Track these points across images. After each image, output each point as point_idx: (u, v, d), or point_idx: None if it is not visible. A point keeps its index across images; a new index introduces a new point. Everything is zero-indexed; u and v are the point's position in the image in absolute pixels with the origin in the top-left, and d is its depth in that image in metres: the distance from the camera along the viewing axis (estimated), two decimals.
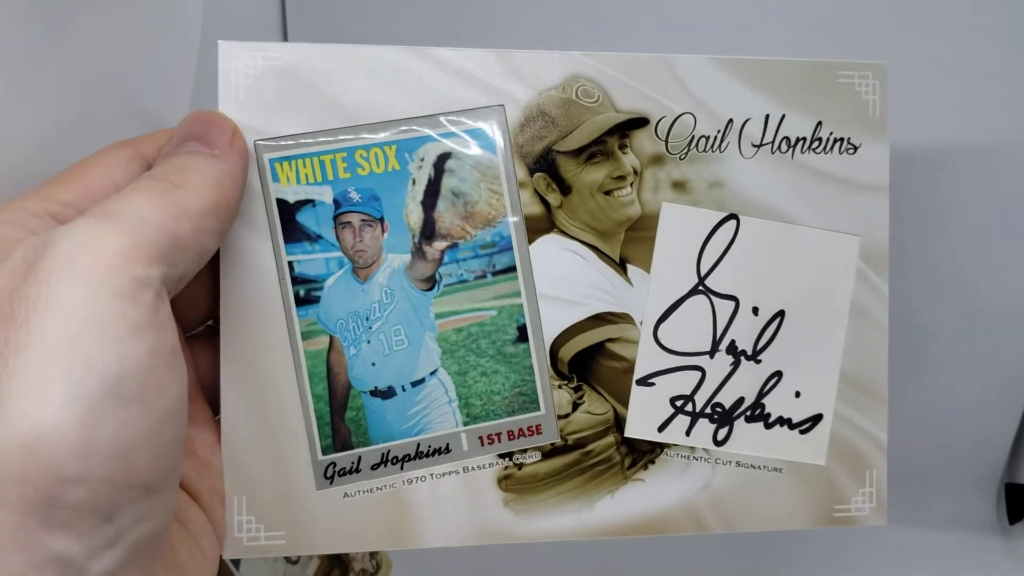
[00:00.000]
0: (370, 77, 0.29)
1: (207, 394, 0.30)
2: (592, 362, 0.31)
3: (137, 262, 0.21)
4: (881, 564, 0.56)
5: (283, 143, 0.29)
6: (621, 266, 0.31)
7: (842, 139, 0.32)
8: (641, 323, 0.31)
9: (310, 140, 0.29)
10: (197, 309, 0.29)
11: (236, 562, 0.28)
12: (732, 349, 0.32)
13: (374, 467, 0.29)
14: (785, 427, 0.32)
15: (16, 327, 0.20)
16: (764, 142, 0.32)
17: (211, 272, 0.29)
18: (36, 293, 0.20)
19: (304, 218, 0.29)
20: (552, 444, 0.30)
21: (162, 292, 0.22)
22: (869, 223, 0.33)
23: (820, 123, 0.32)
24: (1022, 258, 0.44)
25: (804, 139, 0.32)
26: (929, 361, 0.47)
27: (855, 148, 0.33)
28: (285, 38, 0.43)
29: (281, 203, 0.29)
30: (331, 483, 0.29)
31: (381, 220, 0.29)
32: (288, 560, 0.46)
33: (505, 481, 0.30)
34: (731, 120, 0.32)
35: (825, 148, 0.32)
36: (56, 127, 0.27)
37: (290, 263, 0.29)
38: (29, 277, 0.20)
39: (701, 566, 0.56)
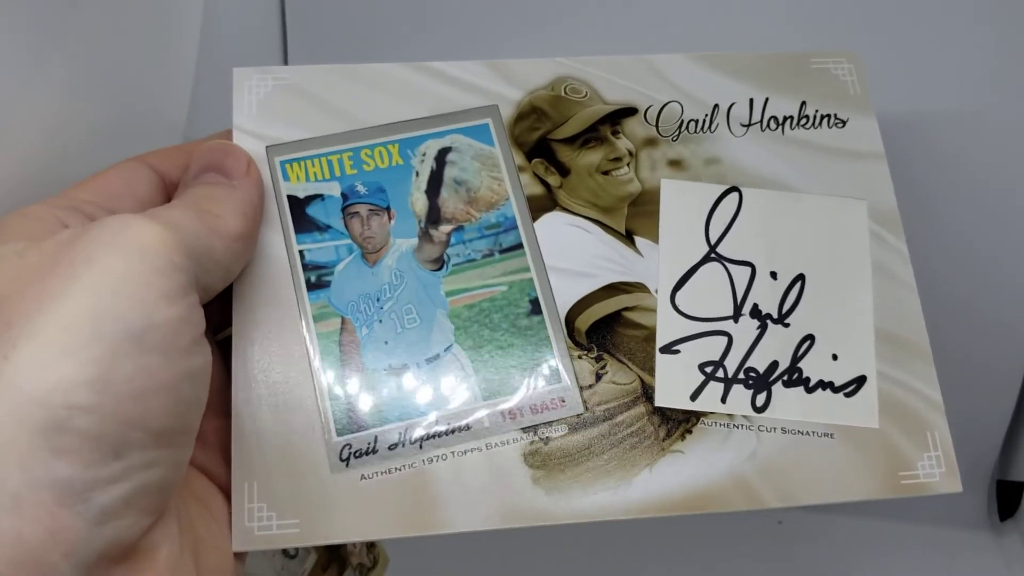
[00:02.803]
0: (371, 90, 0.32)
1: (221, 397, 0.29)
2: (610, 331, 0.30)
3: (174, 251, 0.23)
4: (872, 560, 0.53)
5: (292, 147, 0.30)
6: (628, 238, 0.31)
7: (829, 115, 0.33)
8: (656, 291, 0.31)
9: (318, 143, 0.31)
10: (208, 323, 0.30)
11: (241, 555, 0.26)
12: (756, 313, 0.31)
13: (392, 447, 0.28)
14: (828, 391, 0.30)
15: (55, 278, 0.21)
16: (752, 122, 0.33)
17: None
18: (79, 253, 0.21)
19: (314, 211, 0.30)
20: (578, 416, 0.29)
21: (193, 283, 0.23)
22: (873, 188, 0.33)
23: (804, 102, 0.33)
24: (1017, 253, 0.43)
25: (792, 117, 0.33)
26: None
27: (843, 122, 0.33)
28: (285, 41, 0.46)
29: (292, 199, 0.30)
30: (347, 465, 0.27)
31: (388, 209, 0.30)
32: (286, 554, 0.41)
33: (532, 457, 0.28)
34: (717, 105, 0.33)
35: (814, 124, 0.33)
36: (56, 127, 0.28)
37: (300, 252, 0.29)
38: (76, 243, 0.22)
39: (699, 560, 0.54)
